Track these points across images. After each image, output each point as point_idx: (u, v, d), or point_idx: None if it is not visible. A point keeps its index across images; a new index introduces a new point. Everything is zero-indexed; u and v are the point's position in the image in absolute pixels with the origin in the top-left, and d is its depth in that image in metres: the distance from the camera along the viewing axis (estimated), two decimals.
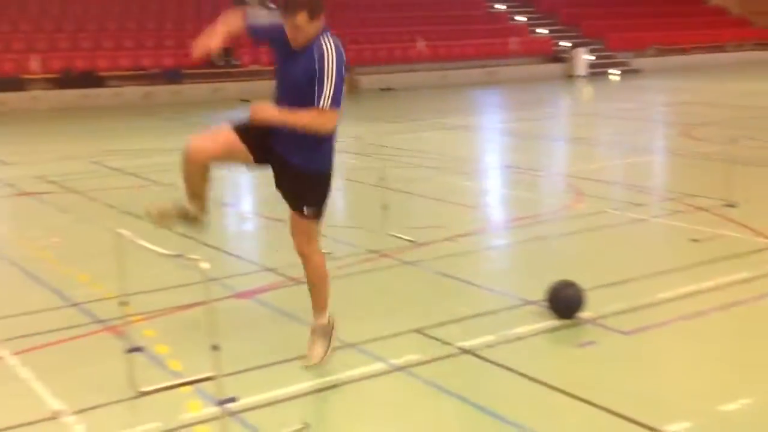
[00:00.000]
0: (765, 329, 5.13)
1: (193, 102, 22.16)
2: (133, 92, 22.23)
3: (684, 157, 11.80)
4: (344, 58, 4.24)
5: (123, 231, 4.16)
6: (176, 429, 3.94)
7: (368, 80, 25.61)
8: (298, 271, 6.45)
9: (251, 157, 4.42)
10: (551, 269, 6.02)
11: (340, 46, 4.30)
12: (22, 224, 8.69)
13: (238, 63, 24.13)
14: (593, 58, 29.23)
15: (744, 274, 6.11)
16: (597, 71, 28.97)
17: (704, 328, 5.18)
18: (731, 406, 4.04)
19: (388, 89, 25.56)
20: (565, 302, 5.29)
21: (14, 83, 20.89)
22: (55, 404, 4.22)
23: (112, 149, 13.56)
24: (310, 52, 4.22)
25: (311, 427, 3.90)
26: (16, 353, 4.93)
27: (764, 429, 3.83)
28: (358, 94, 24.89)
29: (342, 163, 12.12)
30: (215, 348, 3.66)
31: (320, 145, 4.37)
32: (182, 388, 4.35)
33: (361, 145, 12.63)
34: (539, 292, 5.46)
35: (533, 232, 7.76)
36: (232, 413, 3.94)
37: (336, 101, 4.18)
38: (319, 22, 4.26)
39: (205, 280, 3.63)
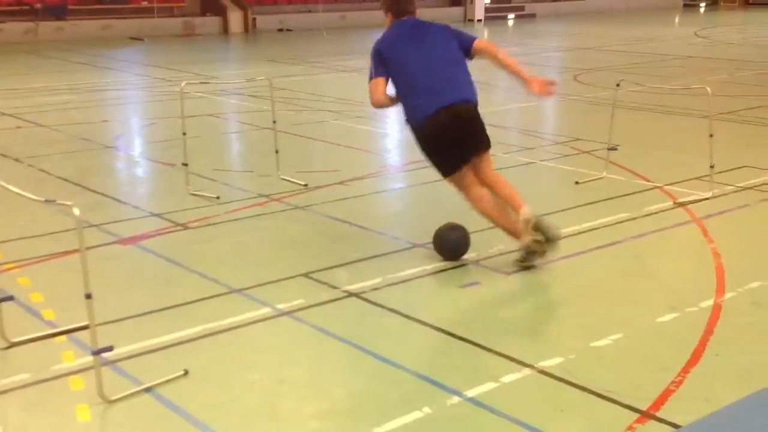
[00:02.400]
0: (640, 268, 5.33)
1: (79, 39, 21.21)
2: (13, 28, 21.10)
3: (572, 102, 12.06)
4: (378, 46, 5.38)
5: None
6: (48, 380, 3.81)
7: (265, 20, 25.06)
8: (185, 217, 6.36)
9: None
10: (441, 213, 6.08)
11: (383, 37, 5.47)
12: None
13: None
14: (489, 1, 29.38)
15: (622, 215, 6.33)
16: (495, 15, 29.17)
17: (582, 267, 5.34)
18: (602, 342, 4.19)
19: (286, 30, 25.08)
20: (450, 244, 5.38)
21: None
22: None
23: None
24: None
25: (190, 375, 3.84)
26: None
27: (630, 362, 3.99)
28: (255, 34, 24.34)
29: (235, 105, 11.96)
30: (89, 296, 3.55)
31: (403, 102, 5.37)
32: (56, 339, 4.21)
33: (255, 87, 12.38)
34: (428, 236, 5.52)
35: (426, 176, 7.79)
36: (109, 362, 3.84)
37: (369, 77, 5.36)
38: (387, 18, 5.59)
39: (79, 227, 3.51)
